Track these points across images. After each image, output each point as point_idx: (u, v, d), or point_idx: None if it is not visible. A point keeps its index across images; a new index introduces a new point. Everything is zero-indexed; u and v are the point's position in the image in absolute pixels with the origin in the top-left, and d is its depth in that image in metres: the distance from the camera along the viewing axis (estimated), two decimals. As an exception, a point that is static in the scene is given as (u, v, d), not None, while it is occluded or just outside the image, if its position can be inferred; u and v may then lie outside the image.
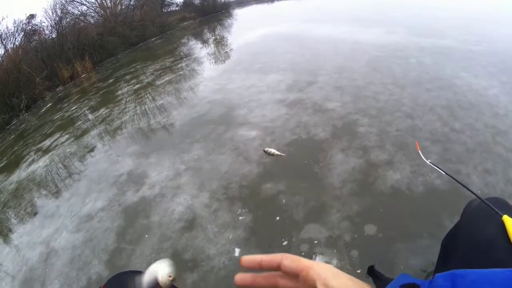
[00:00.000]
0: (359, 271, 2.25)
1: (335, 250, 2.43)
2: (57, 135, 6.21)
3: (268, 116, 4.70)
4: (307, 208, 2.91)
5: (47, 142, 6.04)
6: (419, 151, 1.99)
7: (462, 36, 7.53)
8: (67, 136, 6.01)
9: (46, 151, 5.65)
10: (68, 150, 5.37)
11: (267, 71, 6.73)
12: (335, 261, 2.36)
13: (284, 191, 3.17)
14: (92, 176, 4.29)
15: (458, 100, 4.32)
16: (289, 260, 0.53)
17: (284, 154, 3.70)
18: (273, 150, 3.73)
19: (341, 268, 2.33)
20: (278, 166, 3.56)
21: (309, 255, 2.43)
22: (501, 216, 1.10)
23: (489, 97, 4.31)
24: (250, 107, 5.12)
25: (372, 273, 0.55)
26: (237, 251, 2.61)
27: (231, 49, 9.42)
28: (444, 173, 1.62)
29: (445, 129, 3.70)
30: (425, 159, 1.82)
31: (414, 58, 6.23)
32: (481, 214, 1.25)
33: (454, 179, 1.52)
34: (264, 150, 3.79)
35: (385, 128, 3.90)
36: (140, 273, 1.26)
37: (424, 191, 2.84)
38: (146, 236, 3.00)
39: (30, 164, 5.38)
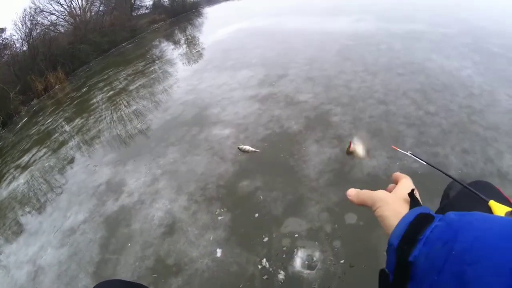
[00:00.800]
0: (342, 261, 2.31)
1: (316, 242, 2.49)
2: (35, 149, 6.16)
3: (241, 113, 4.73)
4: (285, 202, 2.96)
5: (25, 158, 6.00)
6: (398, 149, 2.04)
7: (431, 18, 7.65)
8: (44, 150, 5.97)
9: (25, 167, 5.62)
10: (46, 164, 5.34)
11: (238, 68, 6.75)
12: (317, 253, 2.41)
13: (261, 187, 3.21)
14: (72, 188, 4.29)
15: (431, 83, 4.39)
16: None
17: (258, 150, 3.74)
18: (247, 147, 3.77)
19: (324, 260, 2.41)
20: (254, 163, 3.60)
21: (291, 249, 2.49)
22: (487, 202, 1.08)
23: (463, 78, 4.39)
24: (223, 105, 5.15)
25: (411, 195, 0.64)
26: (219, 252, 2.66)
27: (203, 48, 9.41)
28: (425, 163, 1.66)
29: (420, 112, 3.77)
30: (405, 152, 1.86)
31: (384, 44, 6.30)
32: (466, 199, 1.29)
33: (436, 168, 1.56)
34: (238, 148, 3.83)
35: (359, 115, 3.96)
36: (119, 280, 1.30)
37: None
38: (129, 244, 3.03)
39: (10, 182, 5.35)
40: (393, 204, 0.66)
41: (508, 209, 1.12)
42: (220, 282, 2.41)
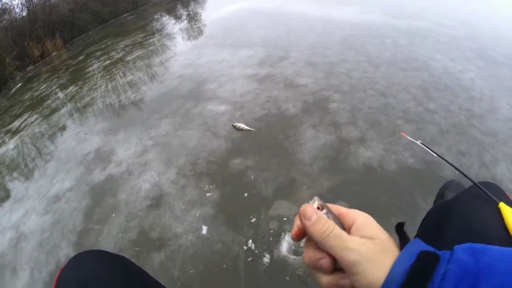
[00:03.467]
0: None
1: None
2: (26, 115, 6.06)
3: (238, 90, 4.65)
4: (276, 184, 2.89)
5: (16, 123, 5.89)
6: (407, 136, 1.99)
7: (439, 19, 7.56)
8: (36, 116, 5.86)
9: (15, 132, 5.52)
10: (37, 130, 5.24)
11: (239, 46, 6.63)
12: (304, 239, 2.33)
13: (253, 167, 3.15)
14: (61, 155, 4.20)
15: (433, 81, 4.33)
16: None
17: (253, 129, 3.67)
18: (242, 125, 3.69)
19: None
20: (247, 142, 3.53)
21: (278, 233, 2.44)
22: (497, 203, 1.06)
23: (465, 81, 4.33)
24: (220, 82, 5.05)
25: (399, 231, 0.52)
26: (204, 229, 2.60)
27: (204, 25, 9.23)
28: (435, 154, 1.60)
29: (419, 109, 3.72)
30: (414, 141, 1.82)
31: (389, 38, 6.21)
32: (474, 198, 1.19)
33: (445, 160, 1.49)
34: (233, 125, 3.75)
35: (358, 105, 3.90)
36: (99, 251, 1.22)
37: (397, 169, 2.86)
38: (113, 215, 2.96)
39: (-1, 147, 5.27)
40: (379, 259, 0.49)
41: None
42: (204, 260, 2.35)
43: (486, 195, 1.11)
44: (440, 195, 2.21)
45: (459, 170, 1.40)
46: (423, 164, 2.88)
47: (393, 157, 3.02)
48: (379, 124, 3.52)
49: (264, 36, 7.11)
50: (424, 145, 1.73)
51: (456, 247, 0.45)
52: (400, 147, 3.12)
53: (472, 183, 1.23)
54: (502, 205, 1.03)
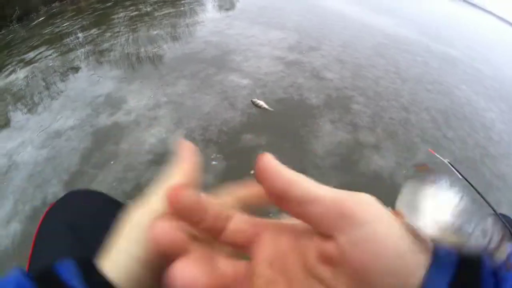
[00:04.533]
0: None
1: None
2: (43, 48, 5.92)
3: (263, 69, 4.53)
4: (285, 169, 2.79)
5: (31, 54, 5.76)
6: (435, 154, 1.93)
7: (469, 51, 7.76)
8: (52, 50, 5.73)
9: (29, 62, 5.40)
10: (51, 64, 5.12)
11: (271, 26, 6.50)
12: None
13: (265, 146, 3.05)
14: (70, 93, 4.08)
15: (454, 109, 4.33)
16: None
17: (272, 109, 3.56)
18: (261, 103, 3.58)
19: None
20: (264, 120, 3.43)
21: (277, 217, 2.32)
22: None
23: (486, 119, 4.35)
24: (247, 56, 4.92)
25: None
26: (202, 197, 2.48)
27: (239, -3, 9.11)
28: (461, 176, 1.56)
29: (437, 133, 3.71)
30: (443, 159, 1.77)
31: (420, 57, 6.24)
32: None
33: (470, 184, 1.46)
34: (252, 101, 3.64)
35: (380, 112, 3.85)
36: (99, 193, 1.09)
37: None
38: (112, 162, 2.85)
39: (9, 74, 5.12)
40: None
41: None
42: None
43: (506, 227, 1.04)
44: None
45: (483, 198, 1.39)
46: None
47: (404, 172, 2.98)
48: (396, 137, 3.49)
49: (299, 23, 7.00)
50: (452, 166, 1.67)
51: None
52: (413, 164, 3.07)
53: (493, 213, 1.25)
54: None
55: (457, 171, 1.55)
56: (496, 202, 2.86)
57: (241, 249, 0.35)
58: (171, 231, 0.31)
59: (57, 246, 0.89)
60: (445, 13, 12.63)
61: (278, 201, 0.32)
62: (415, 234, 0.28)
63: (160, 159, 2.85)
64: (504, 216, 1.22)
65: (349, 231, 0.27)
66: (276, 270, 0.31)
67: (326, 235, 0.29)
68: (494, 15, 17.70)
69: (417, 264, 0.27)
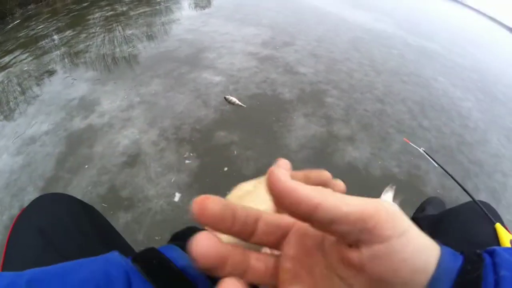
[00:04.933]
0: None
1: None
2: (18, 52, 5.86)
3: (236, 65, 4.56)
4: (259, 164, 2.84)
5: (6, 59, 5.70)
6: (410, 143, 1.96)
7: (449, 45, 7.83)
8: (27, 54, 5.67)
9: (3, 67, 5.35)
10: (25, 68, 5.08)
11: (246, 23, 6.52)
12: None
13: (238, 143, 3.08)
14: (44, 97, 4.05)
15: (431, 100, 4.39)
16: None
17: (245, 106, 3.59)
18: (234, 99, 3.60)
19: None
20: (237, 117, 3.46)
21: None
22: (494, 224, 1.07)
23: (462, 108, 4.42)
24: (220, 53, 4.94)
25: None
26: (177, 196, 2.53)
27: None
28: (436, 164, 1.60)
29: (413, 123, 3.75)
30: (418, 148, 1.80)
31: (396, 50, 6.29)
32: (472, 214, 1.21)
33: (446, 171, 1.49)
34: (225, 98, 3.66)
35: (353, 105, 3.90)
36: (68, 196, 1.12)
37: (380, 175, 2.87)
38: (86, 166, 2.86)
39: (-16, 80, 5.10)
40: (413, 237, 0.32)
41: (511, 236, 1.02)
42: (171, 228, 2.27)
43: (484, 213, 1.14)
44: (421, 209, 2.21)
45: (459, 184, 1.42)
46: (407, 176, 2.88)
47: (379, 162, 3.02)
48: (371, 128, 3.52)
49: (274, 19, 7.02)
50: (427, 154, 1.70)
51: (496, 248, 0.37)
52: (388, 154, 3.13)
53: (470, 200, 1.30)
54: (498, 226, 1.05)
55: (432, 159, 1.61)
56: (474, 189, 2.96)
57: (271, 247, 0.38)
58: (216, 245, 0.32)
59: (28, 251, 0.91)
60: (426, 8, 12.72)
61: (300, 219, 0.32)
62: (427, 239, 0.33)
63: (133, 160, 2.87)
64: (482, 202, 1.27)
65: (371, 246, 0.29)
66: (301, 266, 0.34)
67: (349, 244, 0.31)
68: (473, 9, 17.91)
69: (430, 269, 0.31)
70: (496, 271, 0.33)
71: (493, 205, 1.87)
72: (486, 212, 1.11)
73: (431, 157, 1.61)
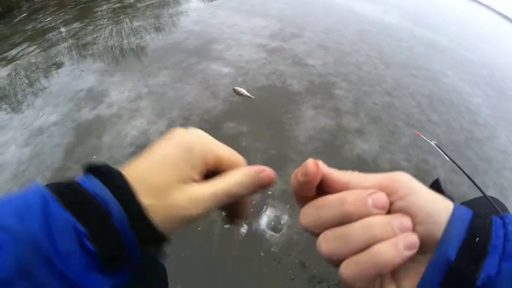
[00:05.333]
0: (308, 233, 2.20)
1: (288, 206, 2.39)
2: (25, 45, 5.88)
3: (245, 56, 4.52)
4: (267, 156, 2.83)
5: (13, 52, 5.72)
6: (422, 136, 1.93)
7: (458, 39, 7.78)
8: (35, 46, 5.69)
9: (11, 60, 5.36)
10: (33, 60, 5.09)
11: (253, 14, 6.46)
12: (286, 217, 2.32)
13: (246, 134, 3.07)
14: (52, 89, 4.06)
15: (440, 95, 4.35)
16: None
17: (253, 97, 3.56)
18: (243, 90, 3.58)
19: (291, 226, 2.27)
20: (245, 108, 3.45)
21: (261, 206, 2.38)
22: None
23: (471, 103, 4.38)
24: (228, 45, 4.91)
25: (436, 189, 0.39)
26: (185, 187, 2.50)
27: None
28: (448, 158, 1.57)
29: (422, 117, 3.72)
30: (430, 141, 1.77)
31: (405, 42, 6.25)
32: (483, 209, 1.22)
33: (458, 166, 1.47)
34: (233, 89, 3.64)
35: (362, 97, 3.86)
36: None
37: (389, 168, 2.84)
38: (94, 157, 2.85)
39: (-8, 72, 5.11)
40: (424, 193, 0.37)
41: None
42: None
43: (494, 207, 1.15)
44: None
45: (470, 179, 1.40)
46: (415, 170, 2.87)
47: (388, 156, 3.02)
48: (380, 121, 3.50)
49: (281, 10, 6.97)
50: (439, 148, 1.67)
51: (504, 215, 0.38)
52: (397, 148, 3.11)
53: (481, 195, 1.32)
54: None
55: (444, 153, 1.57)
56: (483, 185, 2.86)
57: None
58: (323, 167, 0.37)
59: None
60: (435, 1, 12.61)
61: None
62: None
63: (142, 151, 2.84)
64: (492, 197, 1.25)
65: (394, 204, 0.35)
66: None
67: None
68: (482, 4, 17.75)
69: (446, 214, 0.35)
70: (505, 226, 0.35)
71: (502, 201, 1.84)
72: (496, 207, 1.10)
73: (443, 151, 1.57)
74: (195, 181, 0.41)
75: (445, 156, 1.55)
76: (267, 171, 0.41)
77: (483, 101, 4.53)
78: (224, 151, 0.45)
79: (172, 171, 0.39)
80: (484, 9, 14.61)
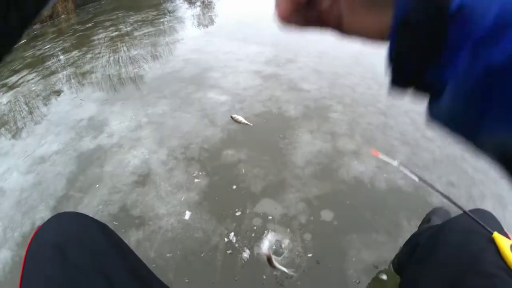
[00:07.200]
0: (310, 255, 2.24)
1: (288, 230, 2.42)
2: (25, 72, 5.95)
3: (241, 84, 4.61)
4: (266, 182, 2.88)
5: (13, 78, 5.79)
6: (381, 156, 1.94)
7: None
8: (34, 74, 5.76)
9: (11, 87, 5.43)
10: (33, 88, 5.16)
11: (248, 41, 6.57)
12: (287, 241, 2.34)
13: (245, 161, 3.13)
14: (53, 117, 4.13)
15: None
16: None
17: (251, 124, 3.64)
18: (240, 118, 3.66)
19: (292, 249, 2.34)
20: (243, 135, 3.51)
21: (261, 230, 2.42)
22: (491, 234, 1.06)
23: None
24: (225, 72, 5.01)
25: None
26: (187, 214, 2.57)
27: (216, 15, 9.12)
28: (417, 178, 1.58)
29: (417, 134, 3.73)
30: (392, 162, 1.75)
31: None
32: (466, 228, 1.19)
33: (427, 183, 1.48)
34: (231, 116, 3.72)
35: (357, 119, 3.91)
36: (82, 215, 1.17)
37: (386, 188, 2.87)
38: (97, 186, 2.91)
39: (-8, 100, 5.17)
40: None
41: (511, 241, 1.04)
42: (182, 246, 2.33)
43: (479, 224, 1.11)
44: (427, 220, 2.24)
45: (445, 196, 1.40)
46: (412, 188, 2.89)
47: (384, 175, 3.02)
48: (375, 141, 3.53)
49: (275, 36, 7.02)
50: (404, 167, 1.68)
51: None
52: (393, 167, 3.12)
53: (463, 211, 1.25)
54: (496, 235, 1.04)
55: (412, 172, 1.59)
56: (481, 196, 2.95)
57: None
58: None
59: (47, 267, 0.95)
60: None
61: None
62: None
63: (144, 180, 2.92)
64: (478, 211, 1.27)
65: None
66: None
67: None
68: None
69: None
70: None
71: (499, 211, 1.87)
72: (481, 223, 1.10)
73: (410, 170, 1.59)
74: None
75: (413, 176, 1.57)
76: None
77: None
78: None
79: None
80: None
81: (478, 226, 1.11)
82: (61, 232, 1.05)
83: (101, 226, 1.18)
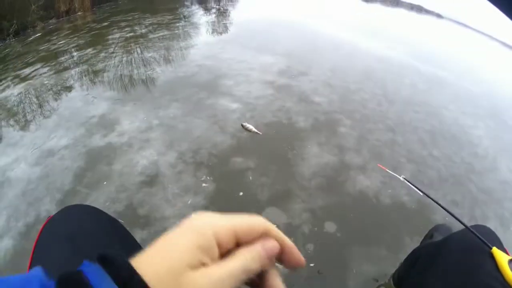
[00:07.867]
0: (312, 265, 2.26)
1: (292, 239, 2.39)
2: (39, 65, 5.97)
3: (253, 93, 4.65)
4: (273, 190, 2.90)
5: (26, 71, 5.81)
6: (386, 170, 1.97)
7: (460, 72, 7.85)
8: (48, 68, 5.78)
9: (24, 79, 5.44)
10: (46, 82, 5.17)
11: (262, 51, 6.61)
12: None
13: (253, 169, 3.15)
14: (64, 112, 4.14)
15: (441, 129, 4.42)
16: None
17: (261, 133, 3.67)
18: (250, 126, 3.70)
19: None
20: (253, 143, 3.54)
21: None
22: (490, 248, 1.09)
23: (472, 136, 4.43)
24: (238, 81, 5.04)
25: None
26: (193, 217, 2.57)
27: (231, 23, 9.17)
28: (421, 193, 1.59)
29: (424, 152, 3.78)
30: (397, 176, 1.78)
31: (409, 79, 6.32)
32: (464, 244, 1.24)
33: (431, 198, 1.49)
34: (242, 125, 3.75)
35: (366, 135, 3.95)
36: (93, 208, 1.18)
37: (390, 203, 2.89)
38: (105, 183, 2.93)
39: (4, 90, 5.17)
40: None
41: (510, 257, 1.05)
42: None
43: (480, 239, 1.14)
44: (429, 236, 2.26)
45: (448, 212, 1.42)
46: (416, 205, 2.92)
47: (389, 191, 3.06)
48: (382, 157, 3.57)
49: (289, 48, 7.09)
50: (408, 181, 1.70)
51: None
52: (398, 183, 3.16)
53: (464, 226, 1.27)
54: (495, 250, 1.07)
55: (415, 187, 1.62)
56: (483, 216, 2.98)
57: None
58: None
59: (56, 255, 0.95)
60: (437, 34, 12.73)
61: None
62: None
63: (152, 180, 2.93)
64: (478, 226, 1.31)
65: None
66: None
67: None
68: (485, 34, 17.91)
69: None
70: None
71: (501, 231, 1.86)
72: (481, 238, 1.13)
73: (413, 185, 1.62)
74: (210, 263, 0.41)
75: (417, 190, 1.60)
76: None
77: (484, 133, 4.58)
78: (239, 223, 0.46)
79: (185, 256, 0.39)
80: (487, 39, 14.71)
81: (479, 240, 1.14)
82: (72, 223, 1.05)
83: (111, 219, 1.19)
